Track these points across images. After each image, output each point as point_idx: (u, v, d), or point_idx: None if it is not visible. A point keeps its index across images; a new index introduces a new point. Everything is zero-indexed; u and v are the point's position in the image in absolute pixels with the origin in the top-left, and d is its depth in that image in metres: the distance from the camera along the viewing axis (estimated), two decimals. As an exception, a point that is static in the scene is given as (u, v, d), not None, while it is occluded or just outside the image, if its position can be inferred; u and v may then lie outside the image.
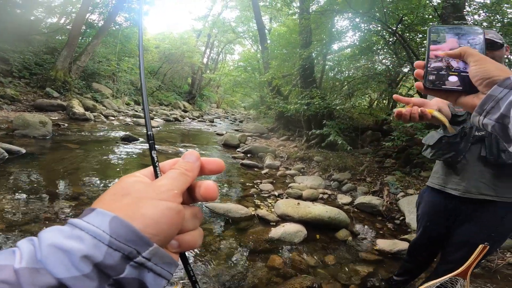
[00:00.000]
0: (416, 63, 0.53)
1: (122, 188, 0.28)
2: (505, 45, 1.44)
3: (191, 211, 0.31)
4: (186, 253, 0.32)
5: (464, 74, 0.48)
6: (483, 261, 2.46)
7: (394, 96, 0.89)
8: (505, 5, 4.70)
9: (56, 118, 7.38)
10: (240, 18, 20.36)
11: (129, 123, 8.88)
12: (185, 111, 17.02)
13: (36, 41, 11.07)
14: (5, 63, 8.87)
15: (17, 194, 2.74)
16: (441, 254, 1.69)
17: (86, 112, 8.19)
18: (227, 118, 18.07)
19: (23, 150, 4.04)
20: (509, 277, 2.33)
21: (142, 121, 9.25)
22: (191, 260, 2.09)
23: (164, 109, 15.23)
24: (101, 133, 6.63)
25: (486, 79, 0.44)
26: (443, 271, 1.47)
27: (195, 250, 2.25)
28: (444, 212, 1.60)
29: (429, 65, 0.50)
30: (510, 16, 4.63)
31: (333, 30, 7.43)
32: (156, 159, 0.32)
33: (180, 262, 0.31)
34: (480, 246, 1.27)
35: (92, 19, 13.48)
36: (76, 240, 0.22)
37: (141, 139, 6.35)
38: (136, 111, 11.86)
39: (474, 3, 5.15)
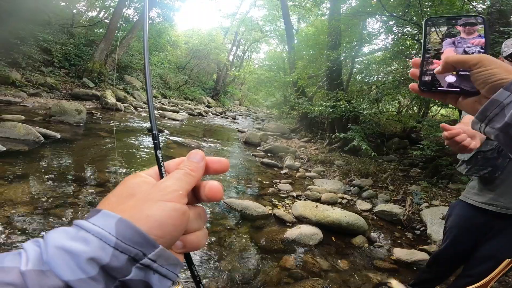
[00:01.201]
0: (412, 60, 0.47)
1: (127, 189, 0.28)
2: None
3: (196, 212, 0.31)
4: (191, 253, 0.32)
5: (464, 73, 0.42)
6: (504, 276, 2.34)
7: (441, 125, 0.94)
8: None
9: (90, 107, 7.82)
10: (267, 17, 20.29)
11: (156, 115, 9.20)
12: (209, 107, 17.34)
13: (77, 33, 11.77)
14: (48, 53, 9.53)
15: (48, 177, 2.89)
16: (463, 268, 1.64)
17: (117, 102, 8.61)
18: (249, 116, 18.18)
19: (58, 135, 4.30)
20: None
21: (168, 113, 9.56)
22: (204, 256, 2.14)
23: (189, 104, 15.61)
24: (130, 124, 6.94)
25: (491, 82, 0.38)
26: (462, 284, 1.43)
27: (210, 244, 2.30)
28: (475, 227, 1.55)
29: (424, 64, 0.45)
30: None
31: (364, 32, 7.23)
32: (161, 159, 0.32)
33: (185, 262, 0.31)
34: (507, 261, 1.23)
35: (128, 14, 14.09)
36: (82, 242, 0.22)
37: (166, 131, 6.57)
38: (163, 104, 12.26)
39: None
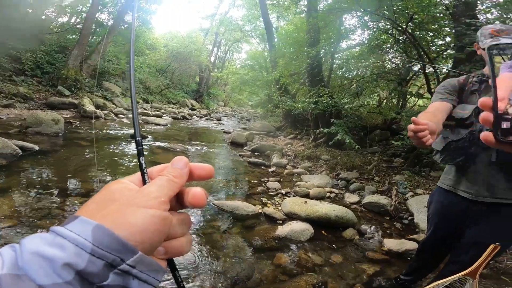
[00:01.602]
0: (481, 101, 0.36)
1: (108, 195, 0.28)
2: None
3: (179, 218, 0.31)
4: (175, 259, 0.32)
5: None
6: (491, 261, 2.43)
7: (412, 119, 1.01)
8: None
9: (68, 116, 7.53)
10: (247, 17, 20.25)
11: (139, 121, 8.99)
12: (193, 109, 17.13)
13: (48, 40, 11.30)
14: (18, 62, 9.09)
15: (29, 190, 2.80)
16: (450, 255, 1.68)
17: (96, 110, 8.34)
18: (234, 117, 18.11)
19: (36, 147, 4.13)
20: None
21: (151, 119, 9.36)
22: (198, 259, 2.12)
23: (172, 107, 15.36)
24: (111, 131, 6.74)
25: None
26: (450, 272, 1.46)
27: (203, 247, 2.28)
28: (454, 212, 1.59)
29: (500, 109, 0.34)
30: None
31: (341, 28, 7.37)
32: (144, 166, 0.32)
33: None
34: (491, 246, 1.25)
35: (102, 18, 13.69)
36: (58, 248, 0.22)
37: (150, 137, 6.44)
38: (145, 109, 12.00)
39: (487, 1, 5.02)
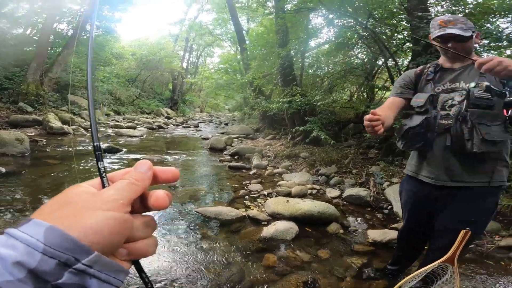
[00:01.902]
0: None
1: (64, 199, 0.28)
2: (475, 34, 1.43)
3: (143, 220, 0.32)
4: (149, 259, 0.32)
5: None
6: (472, 245, 2.48)
7: (372, 111, 1.18)
8: None
9: (33, 134, 7.10)
10: (217, 21, 20.13)
11: (111, 134, 8.66)
12: (169, 118, 16.77)
13: (3, 54, 10.56)
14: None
15: (1, 214, 2.64)
16: (429, 242, 1.72)
17: (64, 126, 7.91)
18: (212, 122, 17.95)
19: (3, 169, 3.90)
20: (501, 261, 2.39)
21: (124, 131, 9.04)
22: (187, 268, 2.08)
23: (147, 117, 14.94)
24: (82, 147, 6.43)
25: None
26: (431, 259, 1.49)
27: (191, 256, 2.23)
28: (422, 199, 1.63)
29: None
30: (470, 6, 4.86)
31: (309, 27, 7.55)
32: (103, 170, 0.32)
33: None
34: (462, 232, 1.29)
35: (61, 29, 13.00)
36: (10, 248, 0.23)
37: (124, 150, 6.21)
38: (117, 121, 11.57)
39: None
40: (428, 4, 5.08)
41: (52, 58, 11.09)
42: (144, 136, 8.91)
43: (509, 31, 4.50)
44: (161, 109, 18.11)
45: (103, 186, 0.31)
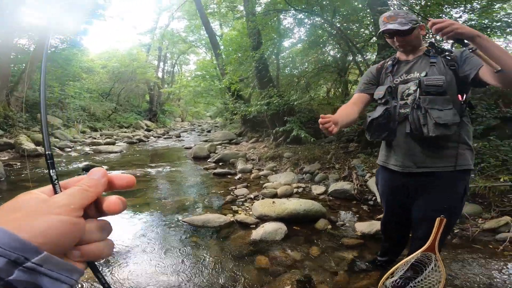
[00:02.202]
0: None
1: (14, 205, 0.30)
2: (418, 25, 1.50)
3: (97, 224, 0.34)
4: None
5: None
6: (457, 230, 2.55)
7: (321, 115, 1.32)
8: None
9: (6, 158, 6.75)
10: (189, 27, 19.86)
11: (89, 152, 8.36)
12: (149, 130, 16.38)
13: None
14: None
15: None
16: (412, 231, 1.75)
17: (37, 147, 7.56)
18: (194, 130, 17.72)
19: (-25, 199, 3.67)
20: (488, 244, 2.44)
21: (103, 147, 8.76)
22: (181, 278, 2.05)
23: (126, 132, 14.53)
24: (59, 167, 6.17)
25: None
26: (414, 249, 1.52)
27: (183, 265, 2.21)
28: (394, 188, 1.69)
29: None
30: None
31: (281, 28, 7.65)
32: (55, 177, 0.33)
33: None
34: (437, 220, 1.31)
35: (22, 44, 12.23)
36: None
37: (105, 166, 6.02)
38: (94, 138, 11.19)
39: None
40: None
41: (16, 75, 10.50)
42: (125, 151, 8.67)
43: (463, 20, 4.78)
44: (140, 122, 17.64)
45: (55, 193, 0.33)
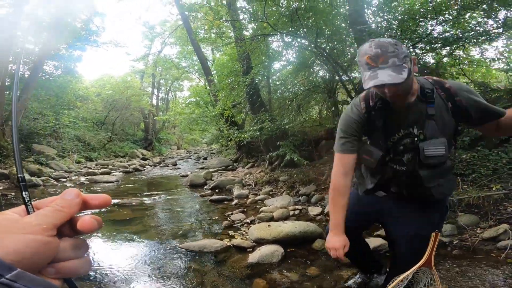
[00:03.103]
0: None
1: None
2: (411, 62, 1.19)
3: (72, 243, 0.35)
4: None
5: None
6: (456, 242, 2.55)
7: (338, 255, 1.47)
8: (394, 3, 5.48)
9: (1, 188, 6.71)
10: (181, 53, 19.99)
11: (84, 182, 8.32)
12: (145, 159, 16.32)
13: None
14: None
15: None
16: (392, 248, 1.69)
17: (32, 178, 7.52)
18: (191, 158, 17.71)
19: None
20: (491, 253, 2.44)
21: (98, 177, 8.73)
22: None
23: (121, 161, 14.48)
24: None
25: None
26: (403, 265, 1.44)
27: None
28: (368, 202, 1.67)
29: None
30: (400, 11, 5.34)
31: (270, 51, 7.75)
32: (27, 199, 0.35)
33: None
34: (433, 235, 1.29)
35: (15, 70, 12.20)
36: None
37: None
38: (90, 168, 11.15)
39: (372, 7, 5.86)
40: (365, 17, 5.52)
41: (10, 104, 10.51)
42: (120, 181, 8.64)
43: (438, 32, 5.00)
44: (135, 151, 17.60)
45: (28, 213, 0.34)
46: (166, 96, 27.97)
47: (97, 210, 3.52)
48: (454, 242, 2.67)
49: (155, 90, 24.70)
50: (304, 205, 4.62)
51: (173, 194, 6.35)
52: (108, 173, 9.96)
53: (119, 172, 10.82)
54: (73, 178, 9.06)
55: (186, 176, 8.63)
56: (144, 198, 5.81)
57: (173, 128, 27.22)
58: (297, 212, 4.29)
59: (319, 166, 6.32)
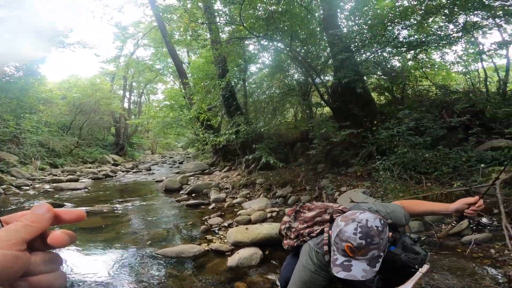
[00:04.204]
0: None
1: None
2: (385, 249, 1.14)
3: (44, 257, 0.35)
4: None
5: None
6: (423, 238, 2.60)
7: None
8: (365, 8, 5.77)
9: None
10: (156, 55, 19.18)
11: (49, 189, 7.79)
12: (116, 165, 15.60)
13: None
14: None
15: None
16: None
17: (-6, 189, 6.92)
18: (166, 163, 17.20)
19: None
20: (456, 248, 2.55)
21: (65, 185, 8.21)
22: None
23: (90, 167, 13.74)
24: (15, 207, 5.67)
25: None
26: None
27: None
28: None
29: None
30: (370, 16, 5.62)
31: (246, 54, 7.81)
32: None
33: None
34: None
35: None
36: None
37: (68, 204, 5.66)
38: (55, 175, 10.45)
39: (345, 11, 6.14)
40: (338, 21, 5.73)
41: None
42: (90, 188, 8.20)
43: (403, 36, 5.25)
44: (106, 156, 16.74)
45: None
46: (139, 99, 27.04)
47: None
48: (422, 238, 2.80)
49: (127, 93, 23.72)
50: (281, 207, 4.69)
51: (148, 200, 6.15)
52: (76, 180, 9.42)
53: (88, 178, 10.26)
54: (37, 186, 8.45)
55: (161, 181, 8.39)
56: (116, 205, 5.57)
57: (146, 132, 26.30)
58: (274, 214, 4.35)
59: (295, 168, 6.45)
